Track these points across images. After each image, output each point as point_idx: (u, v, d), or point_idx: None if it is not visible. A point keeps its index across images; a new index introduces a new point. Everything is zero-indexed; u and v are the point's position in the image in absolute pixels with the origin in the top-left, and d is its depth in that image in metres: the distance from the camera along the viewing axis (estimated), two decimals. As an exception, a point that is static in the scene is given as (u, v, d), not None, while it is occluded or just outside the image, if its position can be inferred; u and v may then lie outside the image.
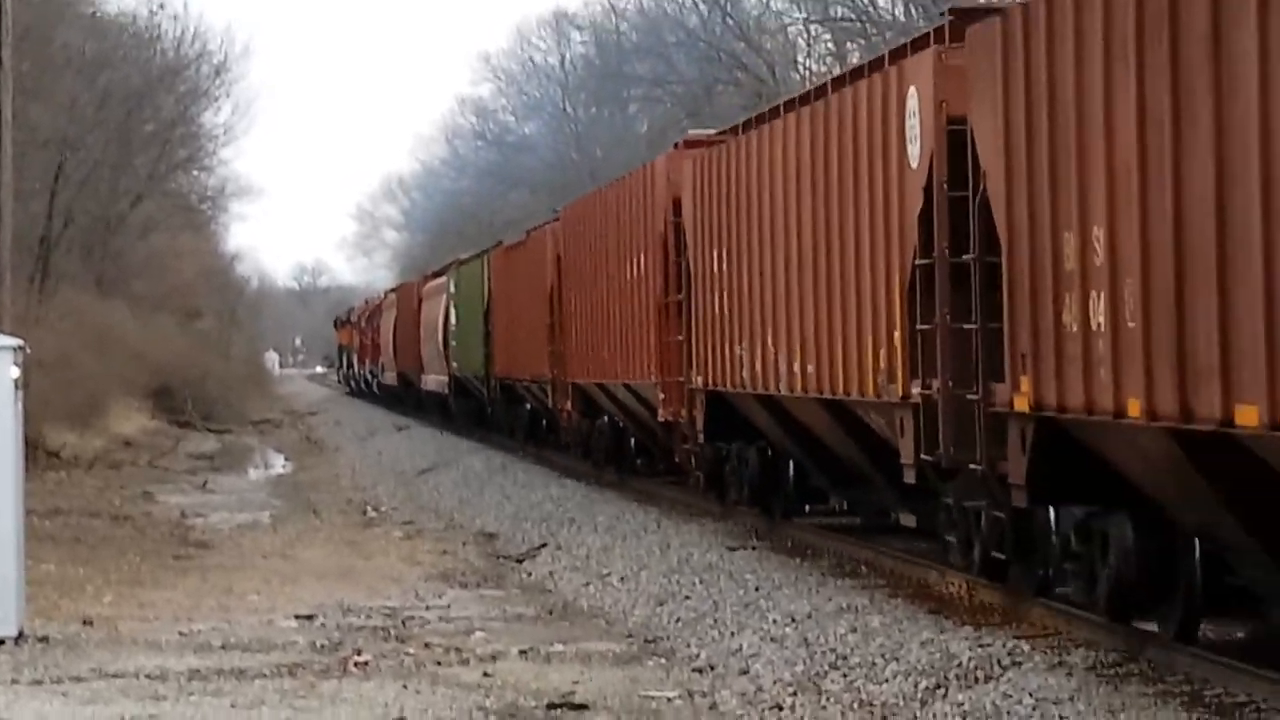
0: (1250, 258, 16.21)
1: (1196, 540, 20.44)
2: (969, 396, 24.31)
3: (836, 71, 31.37)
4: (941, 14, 25.62)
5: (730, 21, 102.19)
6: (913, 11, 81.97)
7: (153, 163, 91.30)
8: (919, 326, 25.46)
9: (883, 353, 27.26)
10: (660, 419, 36.24)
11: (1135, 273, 19.18)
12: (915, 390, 25.89)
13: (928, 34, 25.62)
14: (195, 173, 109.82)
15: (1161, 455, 18.97)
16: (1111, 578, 21.41)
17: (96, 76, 77.79)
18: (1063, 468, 21.40)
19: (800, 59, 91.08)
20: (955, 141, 23.62)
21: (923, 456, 26.33)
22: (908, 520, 33.25)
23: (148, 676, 23.34)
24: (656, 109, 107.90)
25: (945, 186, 24.74)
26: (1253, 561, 19.32)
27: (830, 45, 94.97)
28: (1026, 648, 22.61)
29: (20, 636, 25.09)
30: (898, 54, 27.76)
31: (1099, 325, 19.93)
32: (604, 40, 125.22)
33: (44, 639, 25.65)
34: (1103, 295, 19.76)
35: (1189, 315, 17.83)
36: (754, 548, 36.59)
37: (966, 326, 24.30)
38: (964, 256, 24.18)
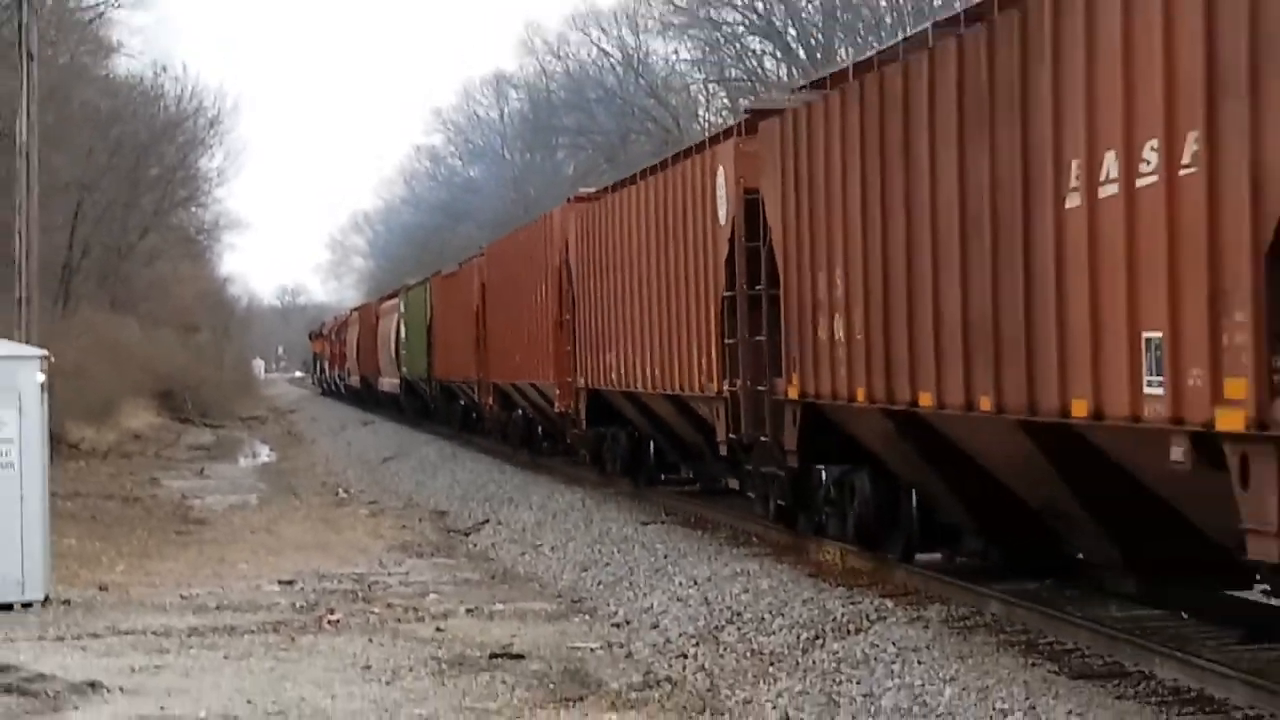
0: (926, 296, 21.61)
1: (913, 491, 25.19)
2: (759, 389, 29.32)
3: (728, 124, 33.15)
4: (745, 112, 32.39)
5: (642, 81, 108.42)
6: (794, 72, 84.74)
7: (157, 201, 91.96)
8: (727, 340, 31.19)
9: (704, 360, 33.21)
10: (557, 410, 41.26)
11: (860, 303, 24.04)
12: (725, 387, 31.58)
13: (732, 127, 32.05)
14: (193, 209, 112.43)
15: (880, 428, 23.91)
16: (855, 517, 26.50)
17: (109, 129, 78.20)
18: (822, 439, 26.56)
19: (700, 112, 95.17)
20: (750, 206, 29.40)
21: (730, 435, 31.95)
22: (733, 484, 37.38)
23: (154, 633, 23.40)
24: (580, 155, 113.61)
25: (743, 239, 30.44)
26: (949, 506, 23.96)
27: (725, 100, 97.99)
28: (890, 605, 22.88)
29: (46, 600, 25.54)
30: (713, 141, 33.79)
31: (839, 338, 25.04)
32: (536, 97, 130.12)
33: (66, 602, 25.87)
34: (840, 317, 25.06)
35: (893, 332, 22.85)
36: (663, 522, 36.11)
37: (759, 339, 29.63)
38: (756, 289, 29.92)
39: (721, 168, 30.05)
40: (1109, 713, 16.10)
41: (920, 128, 21.99)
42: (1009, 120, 19.29)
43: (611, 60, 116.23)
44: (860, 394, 23.62)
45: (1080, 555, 22.85)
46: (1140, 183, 16.50)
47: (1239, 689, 16.12)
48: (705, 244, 31.54)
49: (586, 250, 43.32)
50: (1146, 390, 15.72)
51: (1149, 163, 16.37)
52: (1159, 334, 15.30)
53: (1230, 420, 14.17)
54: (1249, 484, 14.02)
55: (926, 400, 21.04)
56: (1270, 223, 14.15)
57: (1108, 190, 17.10)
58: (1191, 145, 15.68)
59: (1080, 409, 16.88)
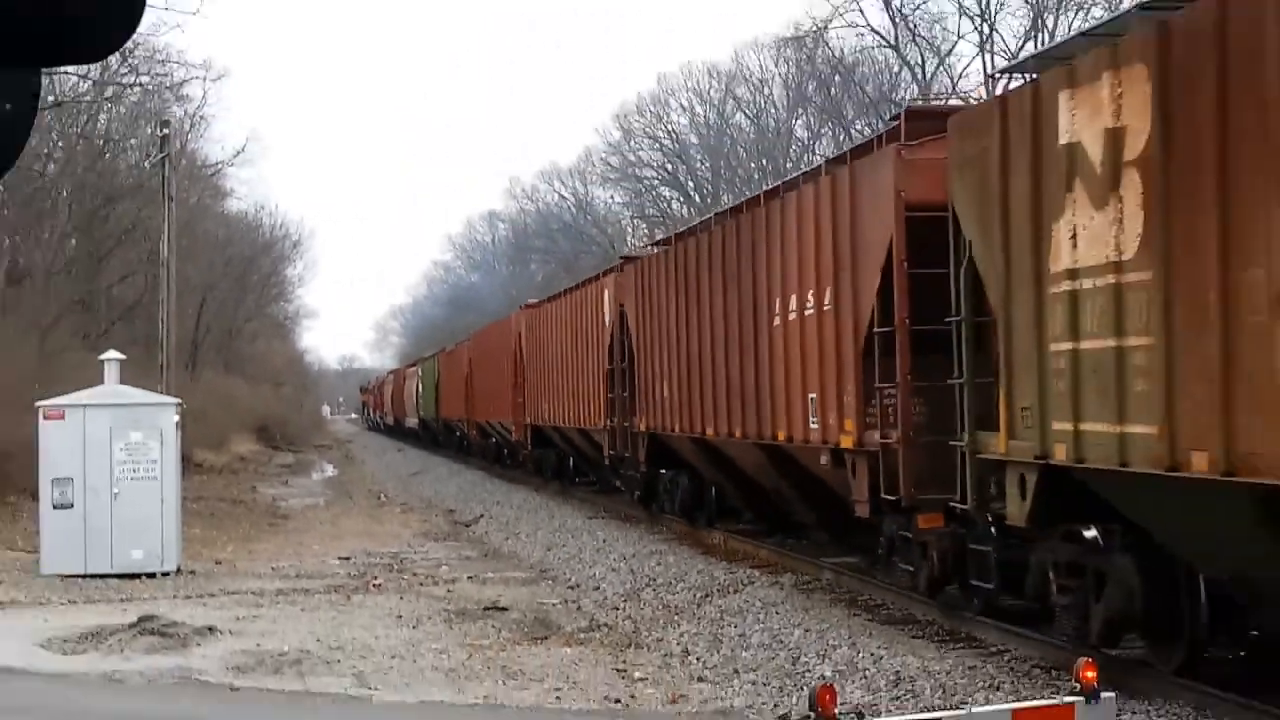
0: (709, 371, 25.85)
1: (712, 486, 29.53)
2: (625, 424, 32.57)
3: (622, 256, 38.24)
4: (620, 258, 35.74)
5: (588, 217, 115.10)
6: (690, 210, 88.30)
7: (257, 299, 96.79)
8: (609, 395, 33.83)
9: (597, 405, 35.36)
10: (605, 453, 34.41)
11: (677, 375, 28.12)
12: (608, 423, 33.95)
13: (613, 267, 35.77)
14: (281, 304, 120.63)
15: (689, 447, 28.14)
16: (679, 501, 30.26)
17: (225, 250, 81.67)
18: (660, 454, 31.00)
19: (628, 239, 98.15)
20: (621, 315, 32.64)
21: (610, 452, 34.88)
22: (618, 485, 37.22)
23: (252, 593, 23.76)
24: (548, 267, 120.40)
25: (617, 334, 33.37)
26: (731, 494, 28.89)
27: (645, 230, 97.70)
28: (757, 574, 23.86)
29: (178, 570, 26.18)
30: (603, 274, 37.49)
31: (667, 394, 28.90)
32: (517, 227, 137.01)
33: (191, 572, 26.29)
34: (667, 382, 28.82)
35: (693, 392, 26.88)
36: (602, 518, 35.97)
37: (625, 394, 32.57)
38: (623, 365, 32.74)
39: (606, 291, 34.76)
40: (905, 647, 16.94)
41: (705, 273, 27.00)
42: (748, 273, 24.34)
43: (568, 202, 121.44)
44: (677, 427, 28.58)
45: (798, 519, 26.73)
46: (806, 313, 21.48)
47: (993, 632, 16.88)
48: (597, 336, 35.16)
49: (531, 339, 47.77)
50: (810, 425, 21.17)
51: (809, 303, 21.35)
52: (815, 394, 20.96)
53: (846, 441, 19.58)
54: (855, 474, 19.69)
55: (710, 431, 26.42)
56: (860, 337, 19.05)
57: (791, 316, 22.10)
58: (827, 295, 20.62)
59: (781, 435, 22.49)
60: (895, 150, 18.70)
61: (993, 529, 16.96)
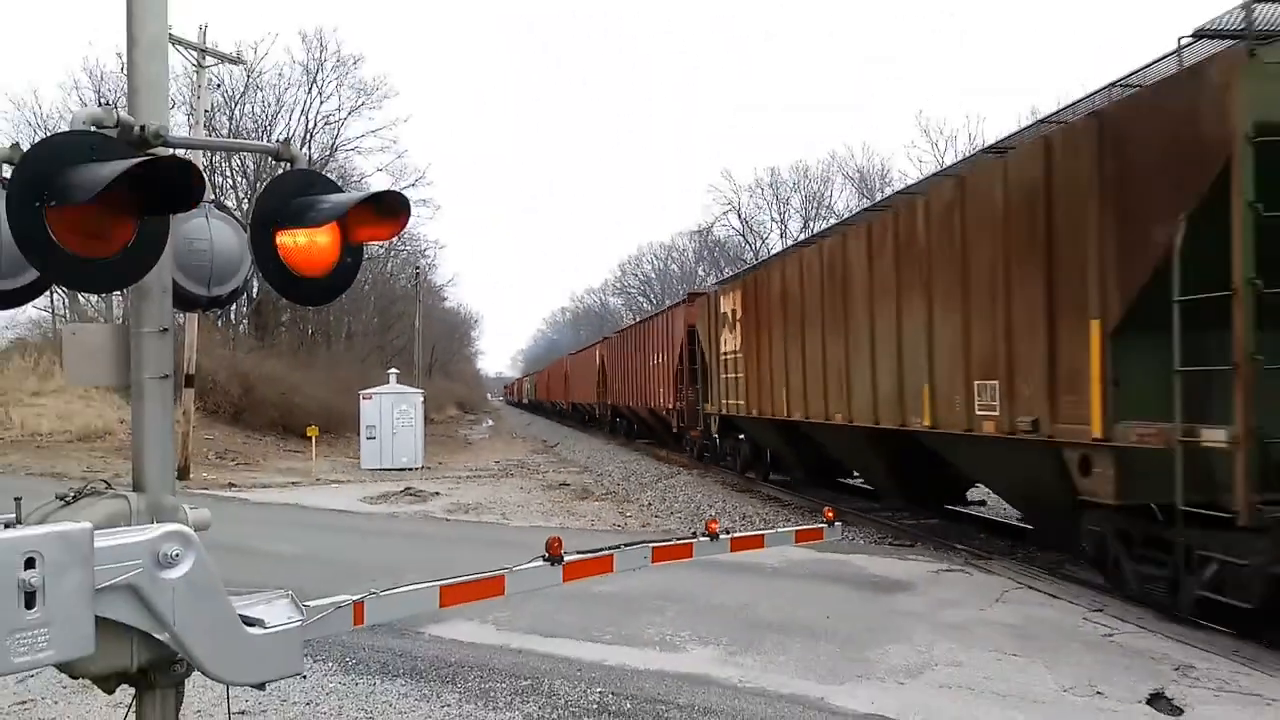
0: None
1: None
2: (696, 407, 22.81)
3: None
4: (688, 293, 25.14)
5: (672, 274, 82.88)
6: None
7: (458, 345, 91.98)
8: (681, 386, 23.83)
9: (670, 392, 24.94)
10: (674, 425, 26.96)
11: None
12: (678, 403, 24.25)
13: (682, 300, 24.56)
14: (469, 351, 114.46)
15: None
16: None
17: (444, 322, 78.85)
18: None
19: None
20: (692, 337, 22.52)
21: (681, 424, 24.40)
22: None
23: (454, 477, 23.09)
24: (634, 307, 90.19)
25: (687, 346, 23.15)
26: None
27: (633, 316, 73.17)
28: (696, 473, 21.93)
29: (423, 466, 25.28)
30: (674, 306, 25.94)
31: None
32: (576, 318, 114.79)
33: (428, 467, 25.59)
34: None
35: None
36: (622, 447, 32.50)
37: (695, 386, 22.63)
38: (693, 366, 22.68)
39: (681, 317, 23.75)
40: (753, 506, 15.99)
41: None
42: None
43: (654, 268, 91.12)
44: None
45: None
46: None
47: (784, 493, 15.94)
48: (669, 347, 24.86)
49: (610, 352, 36.00)
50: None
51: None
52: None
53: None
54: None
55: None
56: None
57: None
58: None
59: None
60: (684, 305, 23.13)
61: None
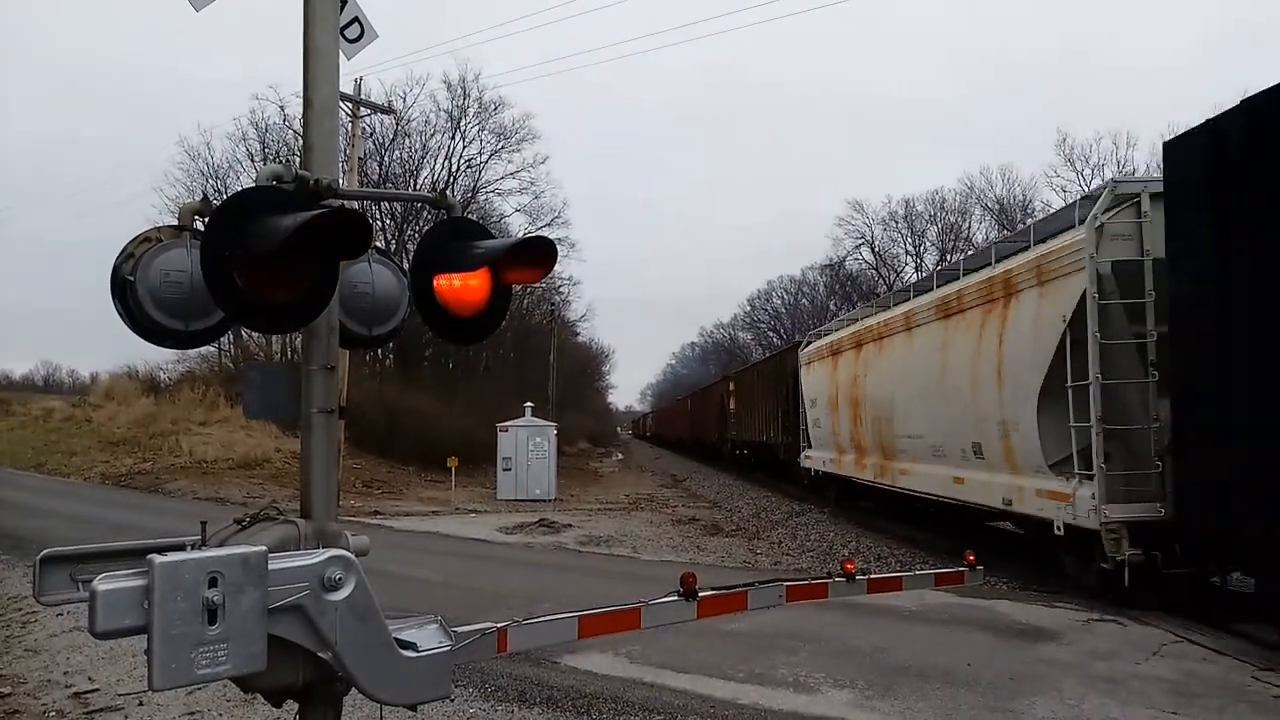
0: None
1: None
2: (793, 449, 23.68)
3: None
4: (786, 341, 27.31)
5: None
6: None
7: (590, 380, 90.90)
8: (786, 424, 25.09)
9: (780, 428, 26.13)
10: (780, 457, 26.48)
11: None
12: (783, 440, 25.05)
13: (796, 344, 25.33)
14: (598, 385, 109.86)
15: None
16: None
17: (576, 357, 79.28)
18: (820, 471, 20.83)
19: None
20: (795, 379, 22.77)
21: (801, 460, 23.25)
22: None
23: (586, 510, 23.06)
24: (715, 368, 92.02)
25: (795, 390, 23.29)
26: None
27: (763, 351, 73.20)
28: (828, 512, 21.31)
29: (555, 499, 25.42)
30: (787, 349, 27.90)
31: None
32: (705, 353, 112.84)
33: (560, 499, 25.70)
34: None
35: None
36: (749, 482, 31.77)
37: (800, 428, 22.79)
38: (797, 409, 22.87)
39: (788, 361, 23.79)
40: (889, 546, 15.55)
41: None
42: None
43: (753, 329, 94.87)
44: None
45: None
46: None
47: (910, 528, 15.45)
48: (784, 388, 24.99)
49: (729, 391, 37.19)
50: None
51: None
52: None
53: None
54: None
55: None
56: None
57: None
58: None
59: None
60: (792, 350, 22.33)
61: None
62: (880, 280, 64.47)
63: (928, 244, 65.88)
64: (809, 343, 21.86)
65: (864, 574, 4.98)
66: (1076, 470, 9.88)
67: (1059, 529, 10.14)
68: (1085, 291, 9.71)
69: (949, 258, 58.91)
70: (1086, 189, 53.16)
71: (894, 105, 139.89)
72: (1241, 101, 7.82)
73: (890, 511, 17.53)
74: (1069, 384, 9.90)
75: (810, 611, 8.83)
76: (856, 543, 15.86)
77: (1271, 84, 7.67)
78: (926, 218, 66.01)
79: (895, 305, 15.43)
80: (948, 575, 5.46)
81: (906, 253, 66.98)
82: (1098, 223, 9.80)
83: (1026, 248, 11.60)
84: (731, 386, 38.60)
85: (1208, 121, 8.21)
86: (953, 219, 64.98)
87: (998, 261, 12.22)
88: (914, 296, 14.63)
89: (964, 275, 13.04)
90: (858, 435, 16.48)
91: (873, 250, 67.85)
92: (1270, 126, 7.50)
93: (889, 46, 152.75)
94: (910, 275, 62.65)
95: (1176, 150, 8.74)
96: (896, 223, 67.15)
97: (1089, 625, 9.10)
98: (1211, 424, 7.98)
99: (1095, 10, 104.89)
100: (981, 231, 62.08)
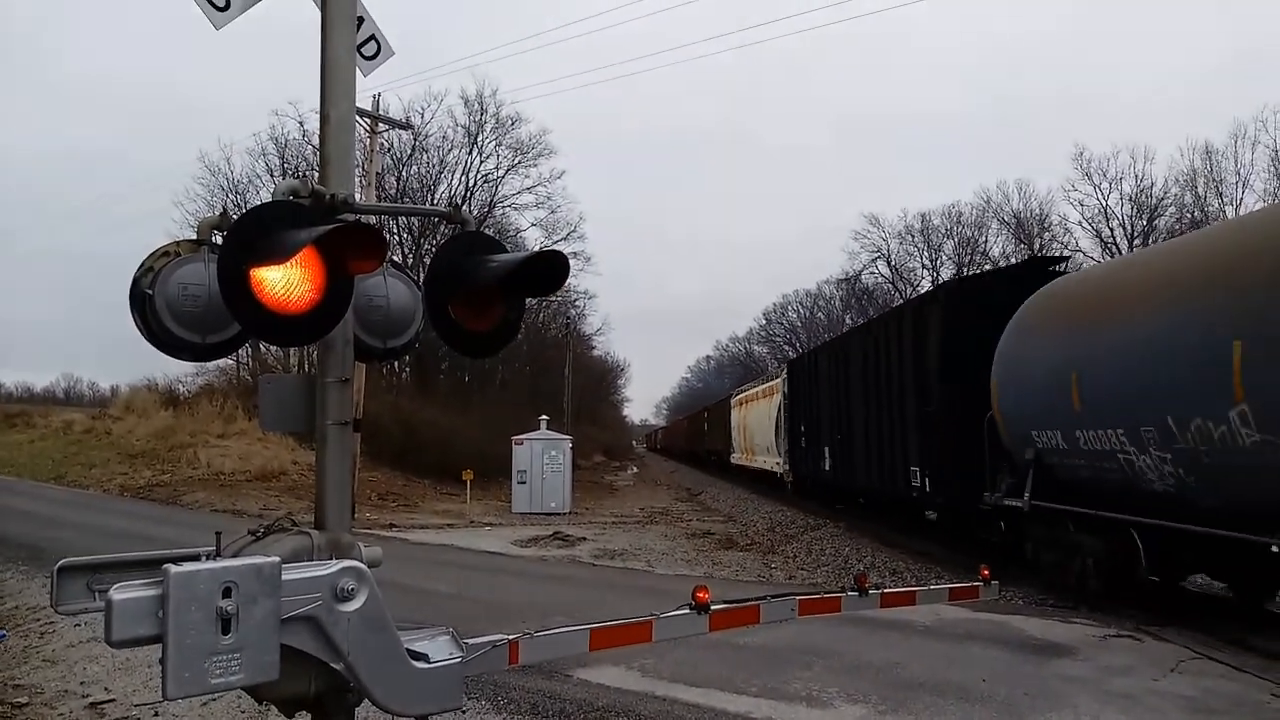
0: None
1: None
2: (797, 455, 25.02)
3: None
4: (784, 361, 30.64)
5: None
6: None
7: (605, 393, 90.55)
8: (784, 437, 26.75)
9: (774, 443, 28.17)
10: (726, 458, 29.77)
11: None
12: (784, 451, 25.96)
13: (730, 394, 31.94)
14: (612, 398, 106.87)
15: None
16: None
17: (591, 372, 78.83)
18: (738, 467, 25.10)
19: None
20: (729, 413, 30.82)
21: (786, 469, 25.85)
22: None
23: (600, 523, 22.87)
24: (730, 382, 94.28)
25: (788, 402, 25.13)
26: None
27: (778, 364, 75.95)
28: (843, 526, 20.58)
29: (570, 511, 25.22)
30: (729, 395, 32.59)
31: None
32: (720, 366, 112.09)
33: (575, 512, 25.43)
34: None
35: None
36: (762, 496, 31.38)
37: (795, 439, 24.91)
38: (789, 421, 25.48)
39: (782, 378, 25.89)
40: (904, 561, 15.39)
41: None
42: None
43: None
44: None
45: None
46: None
47: (935, 547, 15.60)
48: (726, 417, 30.98)
49: (734, 408, 39.09)
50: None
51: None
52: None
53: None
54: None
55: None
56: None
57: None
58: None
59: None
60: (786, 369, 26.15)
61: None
62: (897, 294, 63.86)
63: (944, 258, 65.70)
64: (732, 396, 37.95)
65: (878, 588, 4.99)
66: (780, 453, 25.64)
67: (776, 472, 26.31)
68: (781, 397, 25.56)
69: (964, 271, 58.36)
70: (1104, 203, 53.37)
71: (912, 119, 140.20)
72: (800, 354, 20.25)
73: (829, 499, 22.81)
74: (779, 426, 25.52)
75: (824, 626, 8.78)
76: (872, 557, 15.74)
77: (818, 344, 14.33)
78: (943, 232, 65.81)
79: (748, 388, 34.38)
80: (962, 590, 5.47)
81: (923, 266, 66.71)
82: (781, 376, 25.25)
83: (774, 378, 28.33)
84: (706, 414, 52.72)
85: (798, 357, 25.73)
86: (969, 233, 64.75)
87: (767, 381, 30.58)
88: (752, 386, 33.47)
89: (756, 382, 33.01)
90: (744, 442, 33.58)
91: (889, 264, 67.47)
92: (794, 366, 24.97)
93: (907, 61, 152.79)
94: (926, 289, 62.75)
95: (794, 363, 25.72)
96: (913, 236, 66.99)
97: (1105, 641, 9.01)
98: (792, 440, 24.14)
99: (1112, 23, 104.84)
100: (998, 245, 61.60)
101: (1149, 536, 9.16)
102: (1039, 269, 13.05)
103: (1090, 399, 9.63)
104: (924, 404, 13.98)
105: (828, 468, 20.43)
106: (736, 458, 35.46)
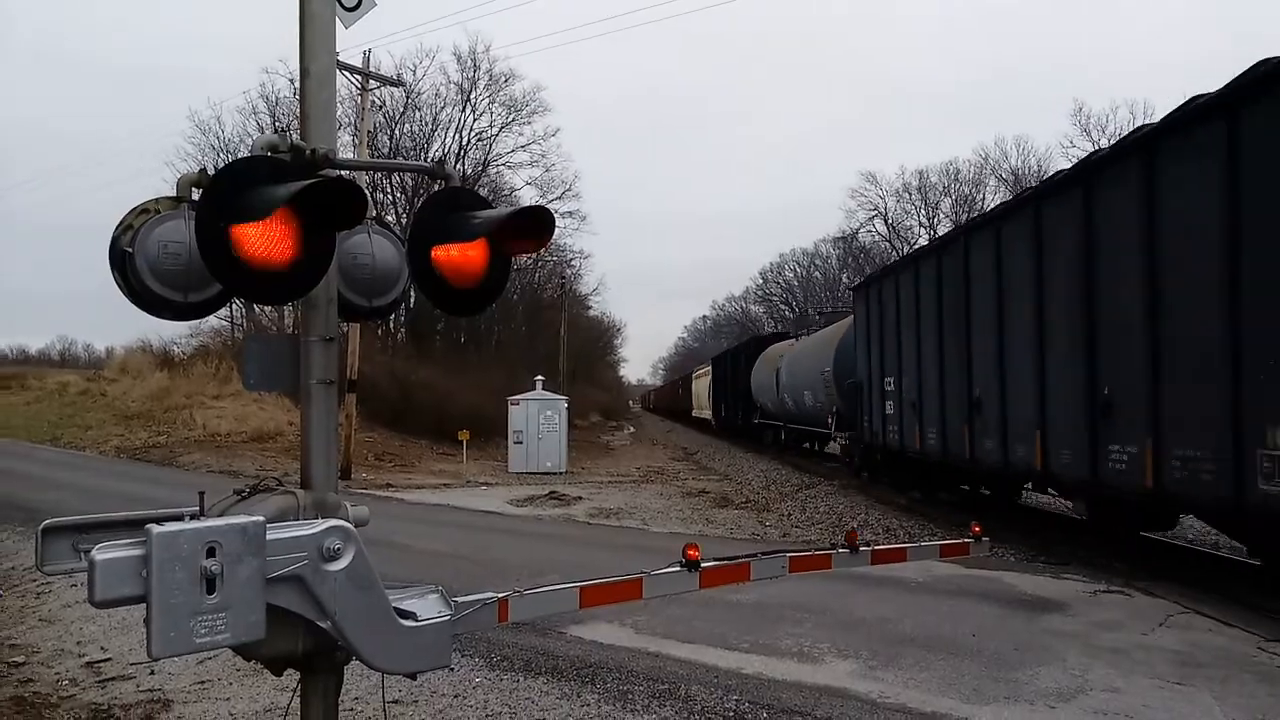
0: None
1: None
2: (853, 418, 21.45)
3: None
4: (796, 313, 29.02)
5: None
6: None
7: (601, 353, 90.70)
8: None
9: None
10: (692, 414, 35.45)
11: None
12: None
13: (751, 338, 31.93)
14: (609, 358, 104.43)
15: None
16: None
17: (588, 332, 77.82)
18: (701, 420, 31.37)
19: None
20: (689, 383, 34.18)
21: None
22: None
23: (596, 482, 23.24)
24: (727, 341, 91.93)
25: (689, 386, 28.32)
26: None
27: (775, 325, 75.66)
28: (838, 484, 21.30)
29: (566, 471, 25.63)
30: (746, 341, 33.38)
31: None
32: (717, 326, 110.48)
33: (571, 472, 25.94)
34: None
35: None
36: (758, 452, 31.85)
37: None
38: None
39: (708, 368, 31.49)
40: (898, 519, 15.58)
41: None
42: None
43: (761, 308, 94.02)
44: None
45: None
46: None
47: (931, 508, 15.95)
48: (707, 380, 32.86)
49: (684, 382, 50.97)
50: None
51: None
52: None
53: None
54: None
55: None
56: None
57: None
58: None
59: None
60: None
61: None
62: (894, 252, 63.04)
63: (941, 215, 65.09)
64: (694, 372, 55.78)
65: (868, 545, 4.99)
66: (709, 408, 47.82)
67: (709, 419, 47.96)
68: (710, 378, 47.13)
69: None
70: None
71: (911, 77, 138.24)
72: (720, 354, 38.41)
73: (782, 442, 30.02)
74: (710, 392, 47.59)
75: (817, 583, 8.88)
76: (865, 515, 15.84)
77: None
78: (940, 189, 65.41)
79: (699, 370, 56.15)
80: (953, 546, 5.49)
81: (920, 224, 66.07)
82: (708, 367, 50.16)
83: (705, 367, 52.88)
84: (681, 382, 66.86)
85: (719, 355, 47.23)
86: (967, 190, 64.45)
87: (705, 367, 53.65)
88: (703, 368, 54.35)
89: (703, 367, 55.23)
90: (697, 402, 52.08)
91: (886, 222, 66.93)
92: (716, 360, 46.60)
93: (906, 18, 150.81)
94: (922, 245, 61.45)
95: (716, 359, 46.95)
96: (910, 194, 66.48)
97: (1096, 597, 9.08)
98: (715, 401, 45.03)
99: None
100: (996, 202, 61.26)
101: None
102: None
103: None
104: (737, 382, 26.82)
105: (724, 414, 40.73)
106: (694, 412, 56.17)
